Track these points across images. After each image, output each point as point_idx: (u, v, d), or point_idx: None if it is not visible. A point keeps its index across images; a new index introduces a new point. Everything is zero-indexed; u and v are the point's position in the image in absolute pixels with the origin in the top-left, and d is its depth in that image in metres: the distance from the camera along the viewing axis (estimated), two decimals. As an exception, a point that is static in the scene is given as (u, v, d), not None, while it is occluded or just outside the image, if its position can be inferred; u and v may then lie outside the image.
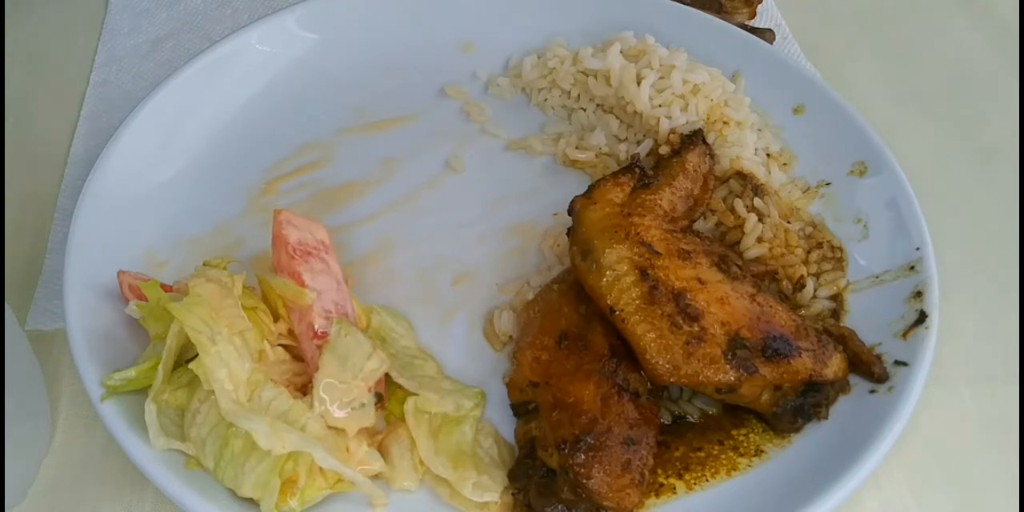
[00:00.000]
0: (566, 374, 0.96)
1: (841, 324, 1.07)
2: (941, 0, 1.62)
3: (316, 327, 0.95)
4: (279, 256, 1.00)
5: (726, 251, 1.07)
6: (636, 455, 0.91)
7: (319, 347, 0.94)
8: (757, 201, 1.13)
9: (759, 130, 1.23)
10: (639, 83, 1.21)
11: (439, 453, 0.94)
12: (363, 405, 0.92)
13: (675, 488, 0.95)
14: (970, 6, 1.61)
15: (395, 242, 1.17)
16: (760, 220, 1.13)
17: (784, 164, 1.22)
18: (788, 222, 1.14)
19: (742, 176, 1.16)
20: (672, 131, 1.20)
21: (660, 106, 1.21)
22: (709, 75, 1.23)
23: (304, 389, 0.94)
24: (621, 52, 1.26)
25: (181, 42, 1.44)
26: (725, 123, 1.20)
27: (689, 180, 1.10)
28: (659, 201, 1.06)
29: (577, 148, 1.26)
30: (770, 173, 1.19)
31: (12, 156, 1.26)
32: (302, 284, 0.96)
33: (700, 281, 0.98)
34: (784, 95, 1.27)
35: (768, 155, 1.22)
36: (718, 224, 1.15)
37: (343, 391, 0.91)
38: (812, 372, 0.96)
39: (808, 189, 1.20)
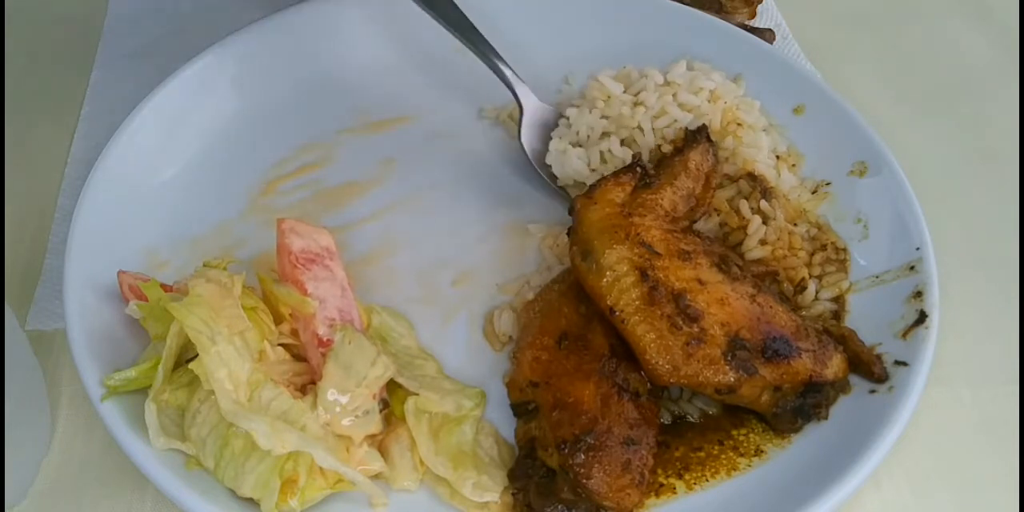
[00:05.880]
0: (566, 374, 0.96)
1: (841, 325, 1.07)
2: (941, 0, 1.62)
3: (320, 334, 0.95)
4: (283, 265, 1.00)
5: (726, 251, 1.07)
6: (636, 455, 0.91)
7: (324, 355, 0.93)
8: (763, 203, 1.13)
9: (764, 130, 1.22)
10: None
11: (439, 453, 0.94)
12: (368, 412, 0.92)
13: (675, 488, 0.95)
14: (970, 6, 1.60)
15: (395, 242, 1.17)
16: (764, 222, 1.12)
17: (793, 165, 1.22)
18: (794, 224, 1.14)
19: (753, 178, 1.15)
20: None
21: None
22: (720, 78, 1.23)
23: (304, 389, 0.94)
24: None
25: (181, 43, 1.44)
26: (739, 125, 1.19)
27: (691, 179, 1.10)
28: (660, 201, 1.06)
29: None
30: (780, 175, 1.18)
31: (12, 156, 1.26)
32: (305, 293, 0.96)
33: (700, 282, 0.98)
34: (784, 95, 1.26)
35: (778, 157, 1.21)
36: (721, 224, 1.15)
37: (348, 400, 0.91)
38: (812, 372, 0.96)
39: (817, 191, 1.19)
